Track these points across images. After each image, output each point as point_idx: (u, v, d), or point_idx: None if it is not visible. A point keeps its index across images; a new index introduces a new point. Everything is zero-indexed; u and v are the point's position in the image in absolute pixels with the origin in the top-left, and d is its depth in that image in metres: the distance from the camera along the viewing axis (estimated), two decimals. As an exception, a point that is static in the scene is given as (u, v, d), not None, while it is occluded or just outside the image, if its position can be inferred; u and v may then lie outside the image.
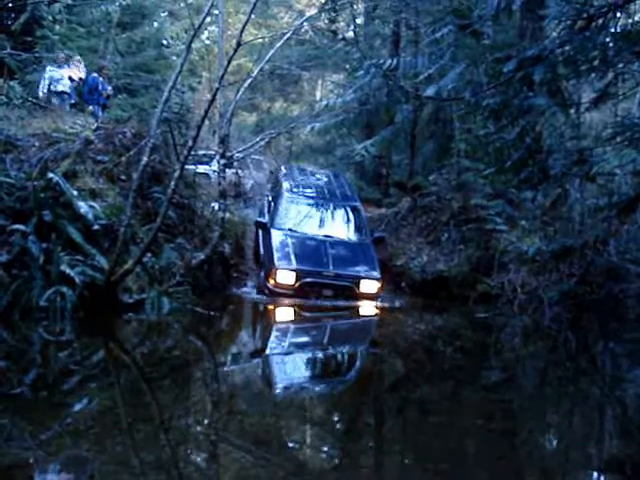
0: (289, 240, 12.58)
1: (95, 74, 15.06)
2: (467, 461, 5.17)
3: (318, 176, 15.68)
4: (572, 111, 11.51)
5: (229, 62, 11.54)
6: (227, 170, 13.82)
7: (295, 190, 14.03)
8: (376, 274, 12.41)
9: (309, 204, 13.56)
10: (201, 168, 14.60)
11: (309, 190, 14.24)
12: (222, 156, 13.12)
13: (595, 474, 5.14)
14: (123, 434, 5.18)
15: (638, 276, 12.65)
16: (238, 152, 15.42)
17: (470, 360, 9.41)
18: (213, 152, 15.85)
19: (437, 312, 12.81)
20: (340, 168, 23.21)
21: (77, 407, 5.93)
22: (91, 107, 14.70)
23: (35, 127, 11.42)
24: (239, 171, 15.95)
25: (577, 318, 12.00)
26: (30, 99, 13.76)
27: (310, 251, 12.53)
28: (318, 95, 28.22)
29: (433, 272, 14.16)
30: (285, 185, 14.18)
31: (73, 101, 14.89)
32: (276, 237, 12.60)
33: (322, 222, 13.28)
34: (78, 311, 9.02)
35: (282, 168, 16.01)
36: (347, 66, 19.48)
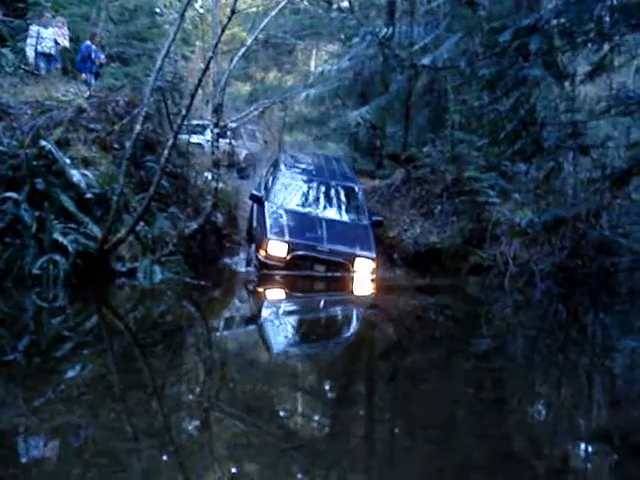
0: (284, 214, 12.27)
1: (88, 42, 14.94)
2: (457, 428, 5.22)
3: (318, 159, 15.30)
4: (567, 84, 11.51)
5: (223, 30, 11.47)
6: (220, 140, 13.74)
7: (293, 168, 13.74)
8: (372, 254, 12.05)
9: (307, 182, 13.24)
10: (195, 138, 14.53)
11: (308, 169, 13.92)
12: (216, 125, 13.06)
13: (583, 443, 5.18)
14: (116, 400, 5.21)
15: (630, 250, 12.71)
16: (232, 121, 15.32)
17: (462, 329, 9.46)
18: (207, 122, 15.78)
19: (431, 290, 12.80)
20: (334, 139, 23.20)
21: (70, 373, 5.96)
22: (84, 75, 14.60)
23: (27, 95, 11.32)
24: (232, 141, 15.84)
25: (568, 291, 12.07)
26: (22, 66, 13.65)
27: (305, 226, 12.19)
28: (313, 65, 28.05)
29: (426, 244, 14.19)
30: (283, 163, 13.91)
31: (59, 65, 14.77)
32: (270, 210, 12.29)
33: (319, 201, 12.92)
34: (71, 279, 9.03)
35: (281, 154, 15.51)
36: (342, 36, 19.33)
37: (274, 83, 25.91)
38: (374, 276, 12.00)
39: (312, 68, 26.50)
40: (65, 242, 9.18)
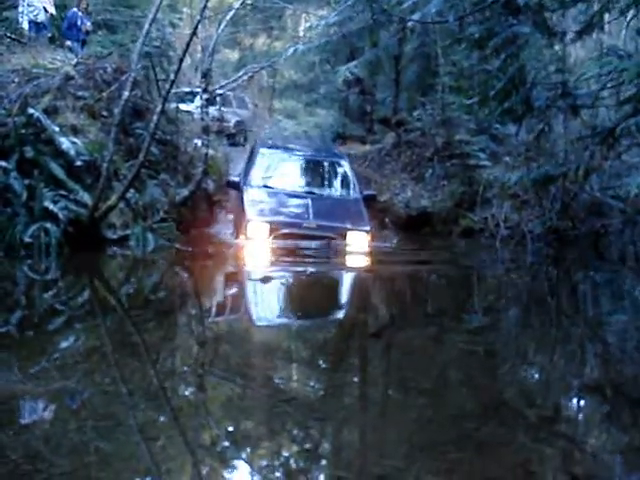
0: (264, 196, 11.39)
1: (74, 9, 14.78)
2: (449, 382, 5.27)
3: (301, 140, 15.17)
4: (557, 46, 11.49)
5: (210, -6, 11.36)
6: (210, 106, 13.69)
7: (273, 146, 13.01)
8: (365, 226, 11.11)
9: (289, 160, 12.34)
10: (184, 107, 14.46)
11: (289, 147, 13.21)
12: (204, 91, 12.99)
13: (575, 395, 5.26)
14: (111, 368, 5.24)
15: (620, 211, 12.78)
16: (221, 87, 15.25)
17: (452, 291, 9.50)
18: (196, 90, 15.70)
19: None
20: (324, 105, 23.12)
21: (64, 344, 5.97)
22: (69, 43, 14.46)
23: (14, 63, 11.21)
24: (222, 107, 15.78)
25: (559, 252, 12.14)
26: (9, 35, 13.52)
27: (289, 205, 11.37)
28: (302, 31, 27.84)
29: (417, 208, 14.25)
30: (262, 141, 13.32)
31: (50, 34, 14.64)
32: (249, 194, 11.28)
33: (304, 178, 12.08)
34: (63, 247, 9.03)
35: (258, 141, 14.45)
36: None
37: (263, 49, 25.76)
38: (369, 248, 11.07)
39: (301, 33, 26.28)
40: (56, 210, 9.16)
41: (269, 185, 11.63)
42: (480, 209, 13.50)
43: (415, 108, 16.63)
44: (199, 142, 12.91)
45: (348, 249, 10.86)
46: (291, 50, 17.16)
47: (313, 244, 10.60)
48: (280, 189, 11.60)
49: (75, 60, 12.10)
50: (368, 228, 11.13)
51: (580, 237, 12.55)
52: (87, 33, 14.97)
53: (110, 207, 9.74)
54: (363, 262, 11.09)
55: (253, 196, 11.25)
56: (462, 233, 13.31)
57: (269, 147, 12.78)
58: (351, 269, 10.81)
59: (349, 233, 10.88)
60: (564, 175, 11.74)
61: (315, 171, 12.41)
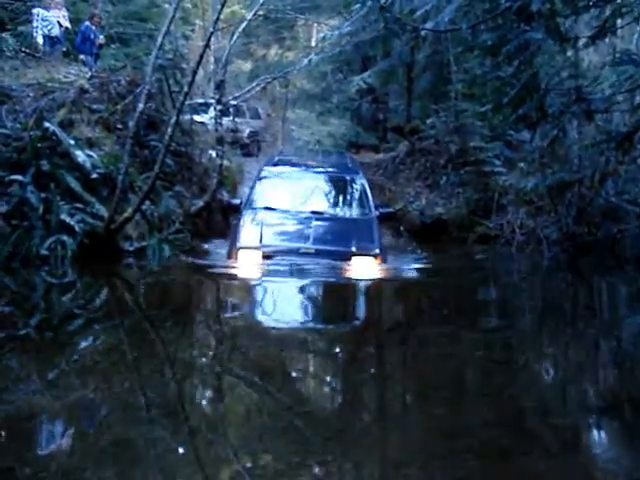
0: (262, 218, 10.33)
1: (87, 23, 14.90)
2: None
3: (314, 155, 14.34)
4: (569, 51, 11.45)
5: (223, 6, 11.40)
6: (224, 117, 13.74)
7: (278, 162, 12.09)
8: (373, 250, 9.90)
9: (296, 177, 11.42)
10: (198, 118, 14.53)
11: (298, 163, 12.35)
12: (218, 102, 13.05)
13: (593, 402, 5.22)
14: (129, 370, 5.27)
15: (636, 216, 12.68)
16: (234, 98, 15.31)
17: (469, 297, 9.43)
18: (209, 100, 15.77)
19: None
20: (337, 114, 23.11)
21: (82, 347, 6.01)
22: (83, 56, 14.57)
23: (29, 77, 11.33)
24: (235, 118, 15.84)
25: (575, 258, 12.06)
26: (23, 49, 13.64)
27: (287, 228, 10.41)
28: (314, 41, 27.91)
29: (432, 215, 14.21)
30: (267, 163, 12.31)
31: (64, 48, 14.76)
32: (247, 217, 10.40)
33: (310, 197, 10.86)
34: (79, 259, 9.07)
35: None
36: (342, 6, 19.14)
37: (275, 59, 25.80)
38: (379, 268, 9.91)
39: (313, 44, 26.36)
40: (72, 222, 9.25)
41: (271, 206, 10.61)
42: (495, 216, 13.45)
43: (428, 116, 16.61)
44: (213, 153, 12.97)
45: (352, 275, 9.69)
46: (305, 61, 17.21)
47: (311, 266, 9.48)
48: (283, 210, 10.60)
49: (89, 74, 12.19)
50: (377, 251, 9.89)
51: (597, 242, 12.44)
52: (100, 47, 15.08)
53: (126, 219, 9.79)
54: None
55: (250, 219, 10.34)
56: (477, 240, 13.26)
57: (274, 164, 11.95)
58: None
59: (354, 258, 9.66)
60: (579, 181, 11.68)
61: (325, 189, 11.39)
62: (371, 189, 11.50)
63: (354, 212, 10.94)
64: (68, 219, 9.27)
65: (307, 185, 11.14)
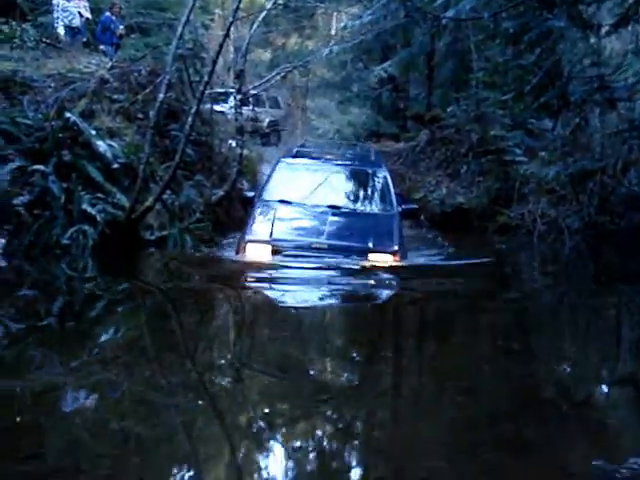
0: (275, 211, 9.84)
1: (107, 13, 14.95)
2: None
3: (335, 146, 13.99)
4: (592, 39, 11.35)
5: (242, -5, 11.38)
6: (243, 107, 13.74)
7: (297, 154, 11.56)
8: (391, 247, 9.28)
9: (312, 170, 10.79)
10: (218, 107, 14.54)
11: (317, 155, 11.79)
12: (238, 92, 13.04)
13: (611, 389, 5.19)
14: (151, 361, 5.31)
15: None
16: (254, 87, 15.29)
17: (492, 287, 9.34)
18: (229, 90, 15.77)
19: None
20: (357, 103, 23.07)
21: (104, 337, 6.06)
22: (103, 46, 14.64)
23: (50, 68, 11.37)
24: (255, 107, 15.84)
25: (597, 247, 11.98)
26: (44, 40, 13.70)
27: (301, 222, 9.88)
28: (333, 30, 27.84)
29: (452, 205, 14.15)
30: (286, 152, 11.93)
31: (85, 39, 14.82)
32: (259, 209, 9.95)
33: (328, 191, 10.28)
34: (100, 248, 9.12)
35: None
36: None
37: (295, 48, 25.79)
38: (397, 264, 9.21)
39: (333, 32, 26.27)
40: (93, 212, 9.27)
41: (286, 200, 10.08)
42: (516, 205, 13.37)
43: (449, 104, 16.54)
44: (233, 142, 12.97)
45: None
46: (326, 51, 17.17)
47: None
48: (298, 204, 10.05)
49: (110, 64, 12.22)
50: (395, 248, 9.26)
51: (619, 231, 12.35)
52: (120, 37, 15.13)
53: (147, 209, 9.82)
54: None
55: (262, 212, 9.85)
56: (498, 230, 13.18)
57: (292, 156, 11.44)
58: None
59: (370, 255, 9.10)
60: (602, 169, 11.58)
61: (344, 183, 10.77)
62: (392, 179, 11.03)
63: (374, 207, 10.36)
64: (89, 209, 9.30)
65: (325, 178, 10.51)
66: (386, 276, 8.89)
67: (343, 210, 10.05)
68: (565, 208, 12.91)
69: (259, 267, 8.98)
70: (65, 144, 9.72)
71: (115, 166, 9.95)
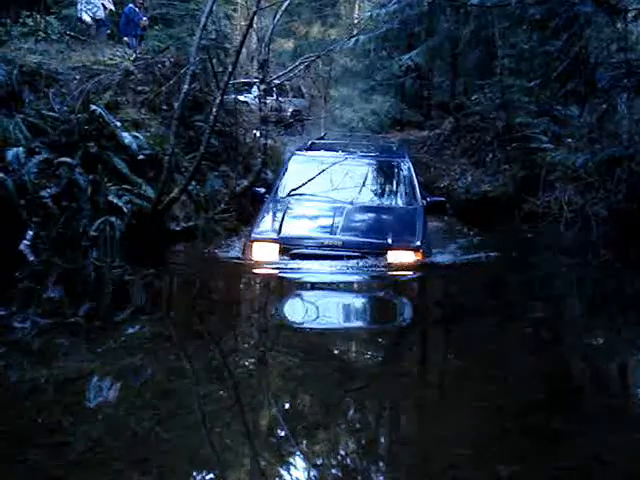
0: (285, 207, 9.13)
1: (131, 5, 15.00)
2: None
3: (355, 139, 13.41)
4: (619, 24, 11.20)
5: (265, -15, 11.37)
6: (267, 97, 13.74)
7: (312, 147, 10.83)
8: (414, 242, 8.38)
9: (327, 163, 9.79)
10: (241, 98, 14.55)
11: (334, 147, 10.97)
12: (262, 82, 13.03)
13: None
14: (177, 348, 5.37)
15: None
16: (277, 77, 15.28)
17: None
18: (253, 80, 15.78)
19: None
20: (381, 92, 22.96)
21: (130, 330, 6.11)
22: (127, 38, 14.70)
23: (75, 60, 11.44)
24: (279, 97, 15.83)
25: (625, 235, 11.83)
26: (68, 32, 13.78)
27: (313, 217, 9.09)
28: (356, 18, 27.73)
29: (478, 193, 14.07)
30: (299, 147, 11.23)
31: (109, 31, 14.90)
32: (269, 205, 9.30)
33: (346, 184, 9.48)
34: (127, 239, 9.17)
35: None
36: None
37: (318, 37, 25.72)
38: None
39: (356, 20, 26.17)
40: (120, 203, 9.34)
41: (300, 194, 9.37)
42: (543, 193, 13.25)
43: (474, 92, 16.43)
44: (258, 133, 12.98)
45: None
46: (352, 40, 17.11)
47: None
48: (312, 199, 9.32)
49: (134, 55, 12.28)
50: (418, 244, 8.34)
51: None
52: (144, 28, 15.17)
53: (173, 199, 9.86)
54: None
55: (272, 208, 9.20)
56: (525, 218, 13.08)
57: (306, 149, 10.74)
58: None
59: (390, 252, 8.18)
60: (630, 156, 11.44)
61: (364, 175, 9.81)
62: (416, 168, 10.36)
63: (396, 201, 9.55)
64: (116, 200, 9.37)
65: (343, 171, 9.67)
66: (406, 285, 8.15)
67: (361, 205, 9.19)
68: (592, 196, 12.78)
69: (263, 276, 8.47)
70: (91, 136, 9.81)
71: (140, 157, 10.02)
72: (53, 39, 12.76)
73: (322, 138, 12.01)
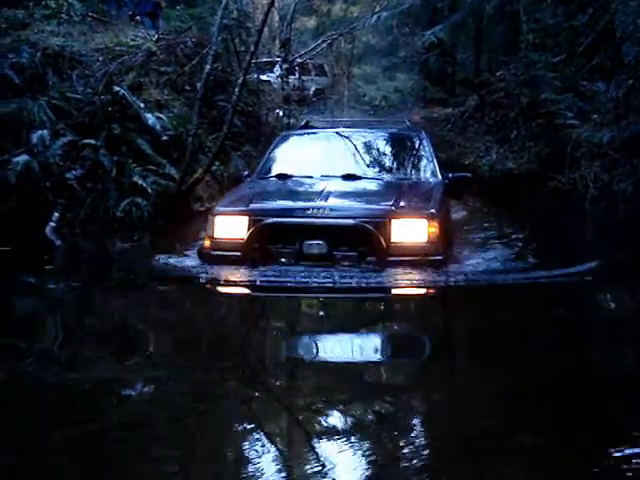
0: (267, 186, 7.59)
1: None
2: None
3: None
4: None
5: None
6: (290, 76, 13.71)
7: (308, 126, 9.27)
8: (426, 209, 6.42)
9: (323, 139, 8.35)
10: (264, 77, 14.53)
11: (334, 125, 9.71)
12: (284, 60, 13.00)
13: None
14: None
15: None
16: (300, 56, 15.23)
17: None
18: (275, 59, 15.74)
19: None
20: (404, 69, 22.84)
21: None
22: (138, 18, 14.66)
23: (97, 42, 11.47)
24: (301, 76, 15.79)
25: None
26: (90, 14, 13.78)
27: (296, 190, 7.36)
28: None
29: (502, 170, 13.97)
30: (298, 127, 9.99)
31: (131, 11, 14.88)
32: (243, 185, 7.75)
33: (344, 159, 7.65)
34: (153, 220, 9.22)
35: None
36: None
37: (340, 15, 25.55)
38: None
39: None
40: (144, 184, 9.39)
41: (286, 174, 7.53)
42: (568, 170, 13.12)
43: (498, 68, 16.29)
44: (280, 112, 12.97)
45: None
46: (375, 17, 16.99)
47: (320, 245, 6.19)
48: (302, 176, 7.53)
49: (156, 36, 12.28)
50: (432, 211, 6.35)
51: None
52: (159, 6, 15.12)
53: (196, 180, 9.90)
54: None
55: (246, 186, 7.58)
56: (550, 195, 12.96)
57: (301, 127, 9.38)
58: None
59: (394, 221, 6.22)
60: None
61: (368, 150, 8.05)
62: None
63: (408, 175, 7.78)
64: (140, 181, 9.42)
65: (342, 147, 7.95)
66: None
67: (361, 177, 7.32)
68: (618, 172, 12.65)
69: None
70: (114, 118, 9.85)
71: (164, 138, 10.07)
72: (75, 21, 12.75)
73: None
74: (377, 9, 18.59)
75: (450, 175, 7.56)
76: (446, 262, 6.27)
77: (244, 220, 6.39)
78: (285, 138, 8.73)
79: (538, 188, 13.12)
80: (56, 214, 8.82)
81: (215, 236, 6.51)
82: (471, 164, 14.06)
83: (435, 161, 7.76)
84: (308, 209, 6.39)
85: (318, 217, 6.30)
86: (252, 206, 6.55)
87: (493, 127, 15.28)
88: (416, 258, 6.14)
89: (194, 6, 18.52)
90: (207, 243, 6.57)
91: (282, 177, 7.51)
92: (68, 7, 13.00)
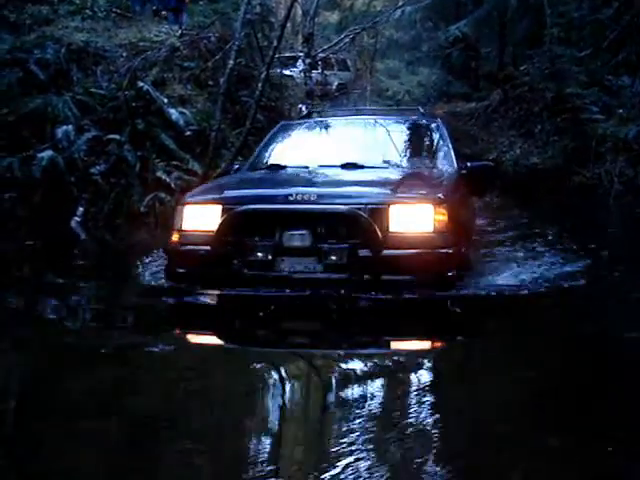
0: (248, 175, 6.81)
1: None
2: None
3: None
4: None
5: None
6: (312, 70, 13.71)
7: (307, 115, 8.87)
8: (432, 194, 5.43)
9: (325, 128, 7.63)
10: (286, 72, 14.53)
11: (340, 113, 9.49)
12: (307, 56, 13.00)
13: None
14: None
15: None
16: (323, 50, 15.22)
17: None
18: (298, 54, 15.74)
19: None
20: (427, 63, 22.74)
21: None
22: (165, 13, 14.69)
23: (121, 37, 11.54)
24: (324, 70, 15.78)
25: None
26: (115, 10, 13.85)
27: (281, 179, 6.34)
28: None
29: (526, 165, 13.87)
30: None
31: (154, 7, 14.92)
32: (227, 176, 7.55)
33: (346, 148, 6.88)
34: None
35: None
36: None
37: (363, 9, 25.48)
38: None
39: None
40: (168, 179, 9.44)
41: (279, 164, 6.62)
42: (593, 165, 13.01)
43: (522, 62, 16.17)
44: (303, 107, 12.96)
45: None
46: (398, 11, 16.93)
47: (304, 235, 5.27)
48: (296, 166, 6.58)
49: (179, 32, 12.32)
50: (440, 196, 5.38)
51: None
52: (183, 2, 15.13)
53: (220, 175, 9.92)
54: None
55: (230, 177, 7.11)
56: (574, 190, 12.86)
57: (303, 117, 8.89)
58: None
59: (393, 207, 5.26)
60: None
61: (374, 138, 7.07)
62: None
63: (417, 164, 6.90)
64: (164, 176, 9.47)
65: (349, 136, 7.32)
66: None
67: (365, 167, 6.26)
68: (644, 167, 12.53)
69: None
70: (138, 113, 9.90)
71: (187, 133, 10.10)
72: (100, 17, 12.83)
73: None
74: (400, 3, 18.50)
75: (469, 164, 6.56)
76: (456, 258, 5.29)
77: (217, 210, 5.49)
78: (283, 128, 7.80)
79: (563, 183, 13.03)
80: (80, 209, 8.90)
81: (184, 228, 5.63)
82: (495, 159, 13.96)
83: (452, 151, 6.83)
84: (290, 195, 5.41)
85: (301, 203, 5.35)
86: (226, 193, 5.66)
87: (517, 122, 15.17)
88: (418, 251, 5.14)
89: (217, 1, 18.55)
90: (175, 237, 5.67)
91: (274, 168, 6.60)
92: (92, 3, 13.10)
